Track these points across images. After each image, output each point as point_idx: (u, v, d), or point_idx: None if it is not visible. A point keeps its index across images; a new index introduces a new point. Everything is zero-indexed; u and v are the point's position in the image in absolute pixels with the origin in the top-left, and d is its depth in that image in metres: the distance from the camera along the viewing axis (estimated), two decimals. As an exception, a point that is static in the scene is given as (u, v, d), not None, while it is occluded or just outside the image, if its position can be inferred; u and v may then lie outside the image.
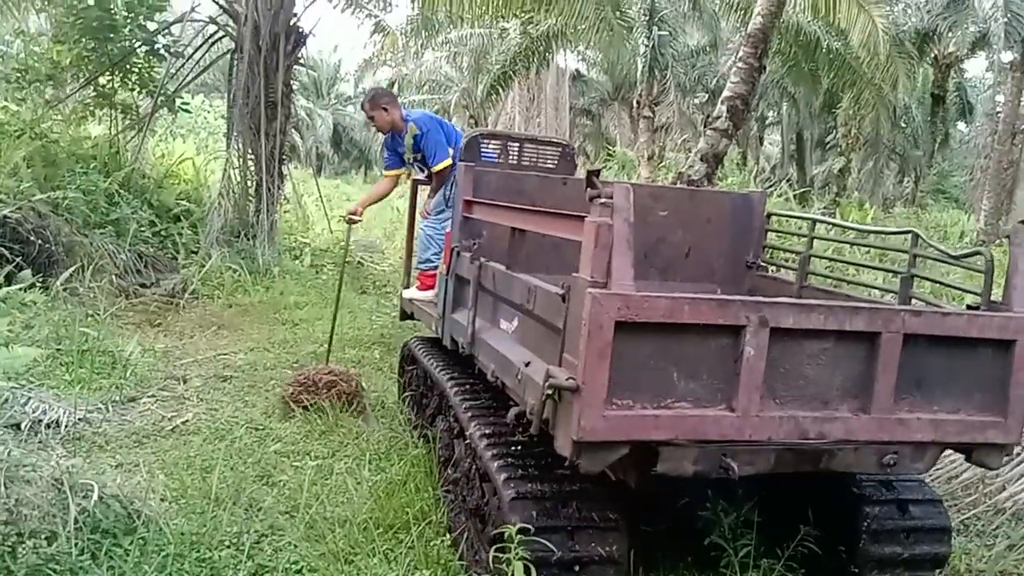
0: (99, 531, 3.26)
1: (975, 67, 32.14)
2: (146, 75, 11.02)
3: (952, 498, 4.65)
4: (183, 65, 11.66)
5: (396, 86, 37.69)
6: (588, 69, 32.79)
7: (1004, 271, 3.13)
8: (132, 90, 11.21)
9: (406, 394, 5.63)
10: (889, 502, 3.50)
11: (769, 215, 5.09)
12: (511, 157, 5.37)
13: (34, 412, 4.58)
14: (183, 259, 9.55)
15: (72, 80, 10.95)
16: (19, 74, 10.32)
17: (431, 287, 5.74)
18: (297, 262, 10.90)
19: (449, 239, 4.66)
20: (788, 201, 18.60)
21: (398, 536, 3.67)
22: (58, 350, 5.88)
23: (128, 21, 10.32)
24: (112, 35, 10.20)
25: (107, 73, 10.75)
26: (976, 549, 4.10)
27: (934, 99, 25.73)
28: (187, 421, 5.15)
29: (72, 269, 7.27)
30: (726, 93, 11.02)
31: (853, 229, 5.22)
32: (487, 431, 3.62)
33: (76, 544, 3.11)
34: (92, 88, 10.95)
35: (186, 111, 13.37)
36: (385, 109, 6.01)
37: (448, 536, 3.72)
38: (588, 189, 2.68)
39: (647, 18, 16.92)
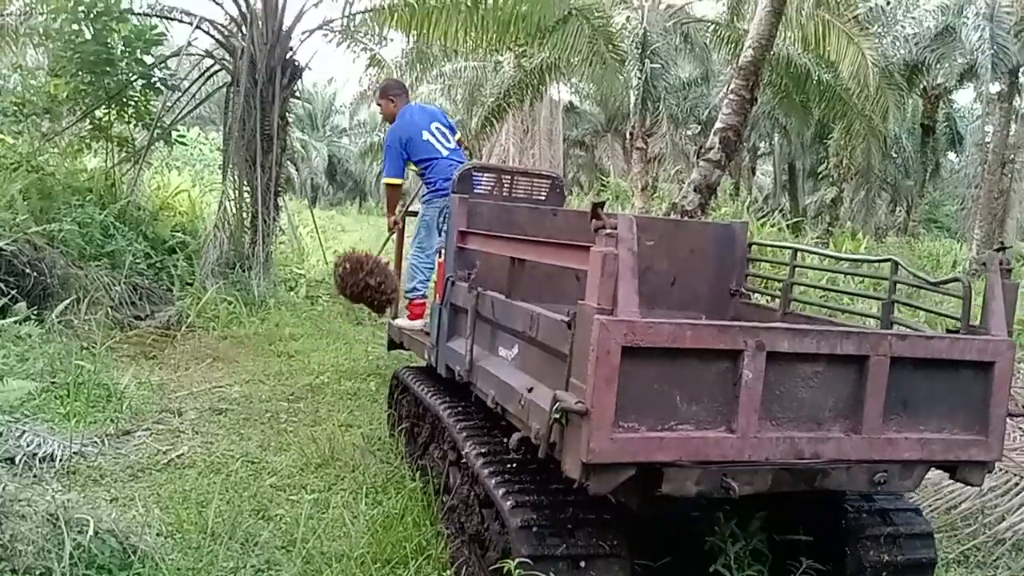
0: (95, 567, 3.23)
1: (963, 98, 32.45)
2: (143, 108, 11.08)
3: (951, 529, 4.64)
4: (179, 98, 11.74)
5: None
6: (581, 101, 33.12)
7: (981, 297, 3.25)
8: (128, 123, 11.27)
9: (397, 424, 5.60)
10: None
11: (751, 244, 5.25)
12: (504, 189, 5.46)
13: (28, 446, 4.54)
14: (178, 291, 9.55)
15: (69, 113, 11.00)
16: (16, 108, 10.37)
17: (421, 316, 5.80)
18: (292, 293, 10.90)
19: (441, 269, 4.70)
20: (781, 231, 18.69)
21: (396, 571, 3.64)
22: (53, 383, 5.85)
23: (125, 55, 10.39)
24: (109, 69, 10.27)
25: (104, 106, 10.81)
26: (977, 580, 4.08)
27: (924, 129, 26.01)
28: (182, 454, 5.11)
29: (67, 302, 7.24)
30: (718, 124, 11.13)
31: (833, 257, 5.32)
32: (486, 456, 3.66)
33: (71, 580, 3.07)
34: (88, 121, 11.01)
35: (182, 143, 13.44)
36: (391, 100, 6.27)
37: (447, 572, 3.69)
38: (593, 220, 2.74)
39: (639, 51, 17.08)
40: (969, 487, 4.93)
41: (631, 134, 19.24)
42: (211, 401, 6.36)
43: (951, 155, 31.66)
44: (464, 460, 3.87)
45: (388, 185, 6.39)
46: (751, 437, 2.83)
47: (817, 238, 20.10)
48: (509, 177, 5.58)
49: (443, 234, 5.22)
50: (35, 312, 7.19)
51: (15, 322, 6.71)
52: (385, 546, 3.81)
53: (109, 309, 8.09)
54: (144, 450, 5.13)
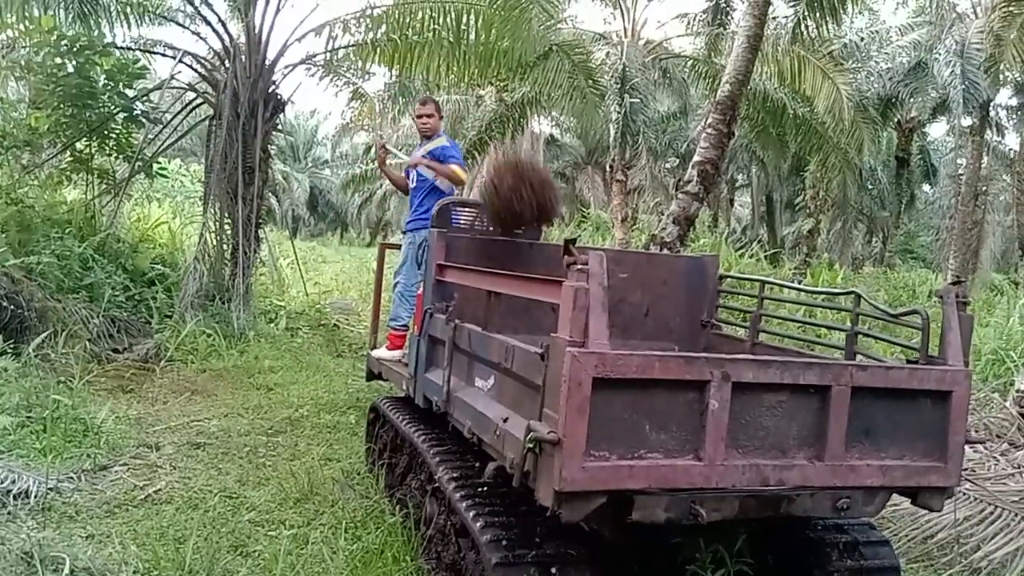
0: (69, 606, 3.20)
1: (937, 131, 33.05)
2: (124, 141, 11.09)
3: (928, 558, 4.68)
4: (161, 131, 11.77)
5: (373, 150, 38.17)
6: (562, 134, 33.45)
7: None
8: (109, 155, 11.27)
9: (374, 455, 5.61)
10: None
11: (721, 277, 5.37)
12: (485, 224, 5.50)
13: (2, 482, 4.49)
14: (157, 324, 9.50)
15: (49, 145, 11.00)
16: (-4, 140, 10.36)
17: (400, 347, 5.83)
18: (272, 325, 10.86)
19: (420, 301, 4.78)
20: (760, 262, 18.88)
21: (375, 606, 3.62)
22: (28, 418, 5.79)
23: (107, 88, 10.41)
24: (91, 102, 10.29)
25: (85, 139, 10.81)
26: (953, 611, 4.11)
27: (899, 162, 26.42)
28: (160, 490, 5.07)
29: (44, 335, 7.20)
30: (696, 158, 11.27)
31: (799, 290, 5.42)
32: (461, 486, 3.72)
33: (45, 620, 3.04)
34: (69, 153, 11.00)
35: (163, 175, 13.43)
36: (441, 116, 6.64)
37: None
38: (565, 256, 2.82)
39: (619, 86, 17.31)
40: (945, 516, 5.02)
41: (611, 167, 19.44)
42: (189, 435, 6.31)
43: (925, 187, 32.14)
44: (440, 490, 3.92)
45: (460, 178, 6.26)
46: (718, 465, 2.90)
47: (795, 268, 20.28)
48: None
49: (422, 267, 5.33)
50: (11, 345, 7.13)
51: (-9, 356, 6.65)
52: (364, 582, 3.79)
53: (87, 342, 8.04)
54: (121, 485, 5.08)
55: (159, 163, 12.21)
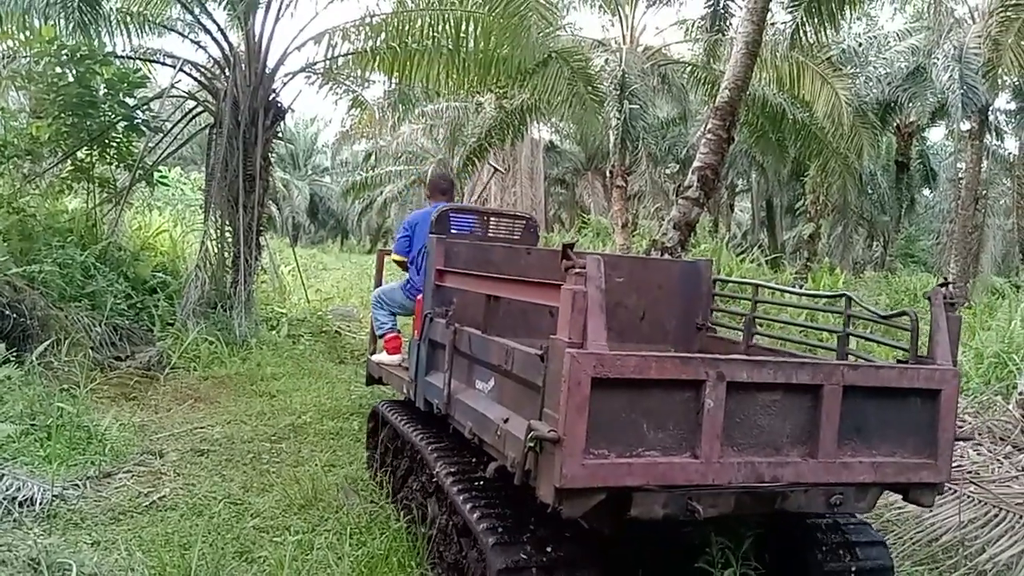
0: (76, 612, 3.20)
1: (936, 135, 33.11)
2: (125, 149, 11.10)
3: (933, 561, 4.68)
4: (162, 139, 11.79)
5: (373, 158, 38.22)
6: (562, 140, 33.51)
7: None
8: (110, 164, 11.29)
9: (376, 458, 5.67)
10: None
11: (715, 281, 5.49)
12: (483, 230, 5.67)
13: (8, 489, 4.50)
14: (159, 331, 9.50)
15: (50, 155, 11.00)
16: (-2, 150, 10.37)
17: (398, 351, 5.91)
18: (274, 332, 10.86)
19: (419, 305, 4.84)
20: (760, 267, 18.90)
21: (381, 611, 3.62)
22: (33, 425, 5.80)
23: (108, 98, 10.42)
24: (92, 111, 10.29)
25: (86, 147, 10.83)
26: (958, 613, 4.10)
27: (898, 166, 26.46)
28: (164, 497, 5.08)
29: (47, 343, 7.22)
30: (696, 163, 11.29)
31: (792, 293, 5.46)
32: (463, 486, 3.82)
33: (52, 626, 3.04)
34: (70, 162, 11.02)
35: (164, 184, 13.45)
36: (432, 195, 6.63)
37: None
38: (563, 260, 2.89)
39: (618, 92, 17.32)
40: (950, 519, 5.03)
41: (611, 172, 19.46)
42: (193, 442, 6.32)
43: (925, 191, 32.18)
44: (441, 490, 4.00)
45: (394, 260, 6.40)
46: (714, 462, 2.97)
47: (796, 273, 20.31)
48: (484, 218, 5.81)
49: (421, 272, 5.39)
50: (15, 354, 7.13)
51: (-6, 364, 6.65)
52: (370, 587, 3.80)
53: (90, 350, 8.04)
54: (125, 492, 5.09)
55: (160, 171, 12.21)
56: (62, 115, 10.22)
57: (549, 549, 3.35)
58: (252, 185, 10.74)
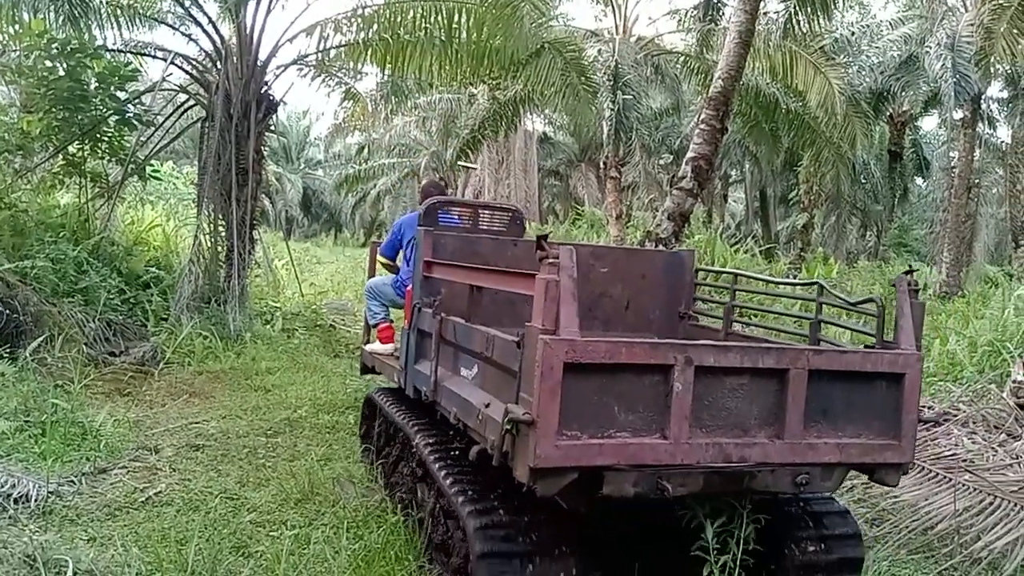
0: (73, 609, 3.19)
1: (929, 124, 33.14)
2: (116, 143, 11.05)
3: (928, 549, 4.70)
4: (154, 133, 11.74)
5: (366, 150, 38.13)
6: (555, 132, 33.45)
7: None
8: (102, 158, 11.23)
9: (371, 447, 5.74)
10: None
11: (697, 271, 5.65)
12: (472, 222, 5.83)
13: (3, 486, 4.48)
14: (153, 326, 9.47)
15: (41, 149, 10.94)
16: (-12, 145, 10.31)
17: (390, 340, 6.06)
18: (268, 327, 10.84)
19: (410, 296, 4.96)
20: (754, 257, 18.93)
21: (378, 605, 3.62)
22: (27, 422, 5.78)
23: (99, 91, 10.38)
24: (83, 105, 10.24)
25: (77, 142, 10.77)
26: (954, 601, 4.12)
27: (891, 155, 26.49)
28: (160, 492, 5.06)
29: (40, 339, 7.18)
30: (690, 154, 11.30)
31: (768, 281, 5.75)
32: (450, 471, 3.95)
33: (49, 623, 3.04)
34: (62, 157, 10.96)
35: (156, 178, 13.38)
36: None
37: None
38: (538, 251, 3.02)
39: (611, 83, 17.29)
40: (945, 507, 5.05)
41: (605, 164, 19.45)
42: (188, 437, 6.30)
43: (918, 180, 32.20)
44: (429, 474, 4.16)
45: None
46: (683, 443, 3.10)
47: (790, 263, 20.33)
48: (472, 211, 5.98)
49: (410, 264, 5.55)
50: (8, 350, 7.12)
51: (-13, 361, 6.63)
52: (367, 581, 3.79)
53: (83, 346, 8.01)
54: (121, 488, 5.07)
55: (152, 166, 12.18)
56: (53, 109, 10.17)
57: (533, 535, 3.45)
58: (245, 179, 10.70)
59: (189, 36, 11.61)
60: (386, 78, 14.82)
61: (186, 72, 11.65)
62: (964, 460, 5.88)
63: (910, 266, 4.05)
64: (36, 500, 4.52)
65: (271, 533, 4.47)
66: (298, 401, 7.55)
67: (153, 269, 10.71)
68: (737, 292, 5.17)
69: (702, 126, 11.30)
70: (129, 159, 11.20)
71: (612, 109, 17.20)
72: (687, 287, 5.50)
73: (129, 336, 8.98)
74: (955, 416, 6.83)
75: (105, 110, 10.59)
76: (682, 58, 19.55)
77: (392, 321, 6.26)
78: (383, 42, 11.49)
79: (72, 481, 4.98)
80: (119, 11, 11.14)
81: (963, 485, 5.36)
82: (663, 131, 26.83)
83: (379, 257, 6.52)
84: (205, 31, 11.06)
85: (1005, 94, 25.15)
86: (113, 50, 11.23)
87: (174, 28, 11.75)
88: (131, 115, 10.94)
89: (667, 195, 13.11)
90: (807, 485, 3.40)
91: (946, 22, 19.07)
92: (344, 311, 13.58)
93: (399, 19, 11.37)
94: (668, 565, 3.75)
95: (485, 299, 4.51)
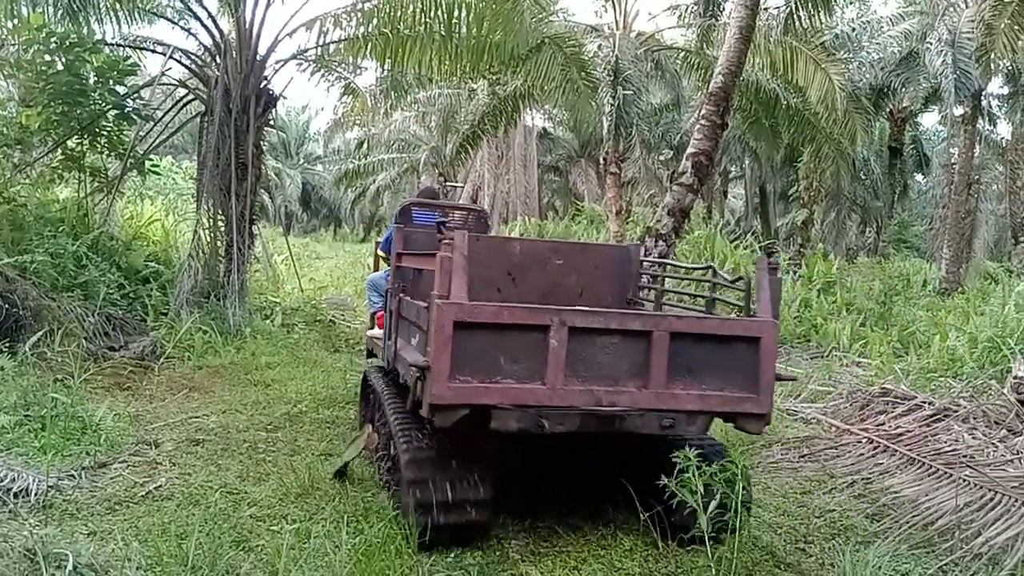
0: (73, 602, 3.18)
1: (929, 120, 33.12)
2: (115, 138, 11.03)
3: (929, 544, 4.69)
4: (153, 127, 11.71)
5: (366, 145, 38.08)
6: (555, 127, 33.41)
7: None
8: (101, 153, 11.20)
9: (366, 415, 6.30)
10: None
11: (642, 262, 6.36)
12: (448, 220, 6.77)
13: (3, 480, 4.47)
14: (152, 321, 9.46)
15: (40, 144, 10.92)
16: (-13, 139, 10.28)
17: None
18: (268, 322, 10.83)
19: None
20: (754, 253, 18.90)
21: (379, 599, 3.61)
22: (26, 416, 5.77)
23: (98, 86, 10.35)
24: (82, 99, 10.21)
25: (76, 136, 10.75)
26: (955, 596, 4.12)
27: (891, 152, 26.47)
28: (160, 486, 5.05)
29: (40, 333, 7.16)
30: (690, 149, 11.27)
31: (677, 266, 6.57)
32: (399, 421, 4.74)
33: (49, 617, 3.03)
34: (61, 151, 10.93)
35: (155, 173, 13.36)
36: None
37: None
38: (438, 235, 3.77)
39: (611, 78, 17.23)
40: (947, 503, 5.05)
41: (604, 159, 19.40)
42: (188, 432, 6.29)
43: (918, 176, 32.21)
44: (388, 426, 4.92)
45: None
46: (559, 388, 3.78)
47: (790, 259, 20.33)
48: (442, 211, 6.95)
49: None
50: (7, 344, 7.10)
51: (-13, 355, 6.61)
52: None
53: (83, 340, 7.99)
54: (121, 482, 5.06)
55: (151, 160, 12.14)
56: (52, 103, 10.14)
57: (452, 464, 4.20)
58: (244, 173, 10.68)
59: (188, 31, 11.62)
60: (386, 73, 14.77)
61: (185, 67, 11.61)
62: (965, 456, 5.88)
63: (770, 251, 5.15)
64: (36, 494, 4.51)
65: (271, 527, 4.46)
66: (298, 396, 7.54)
67: (152, 264, 10.69)
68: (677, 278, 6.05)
69: (702, 122, 11.27)
70: (128, 153, 11.17)
71: (612, 105, 17.15)
72: (634, 276, 6.18)
73: (129, 331, 8.97)
74: (955, 412, 6.83)
75: (104, 104, 10.56)
76: (682, 54, 19.49)
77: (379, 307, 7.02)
78: (383, 37, 11.46)
79: (72, 475, 4.97)
80: (118, 5, 11.11)
81: (964, 481, 5.37)
82: (663, 127, 26.80)
83: (378, 251, 7.30)
84: (204, 25, 11.05)
85: (1006, 90, 25.17)
86: (112, 44, 11.20)
87: (173, 22, 11.73)
88: (130, 109, 10.91)
89: (667, 191, 13.08)
90: (671, 428, 4.03)
91: (947, 18, 19.06)
92: (344, 306, 13.58)
93: (399, 14, 11.33)
94: (574, 491, 4.64)
95: (430, 280, 5.18)
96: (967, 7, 18.98)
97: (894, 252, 30.06)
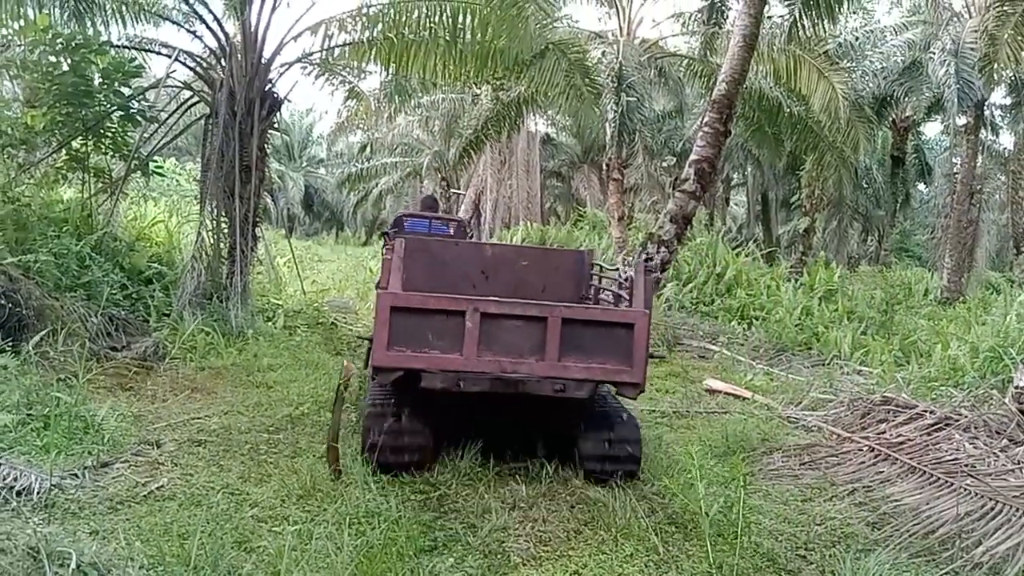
0: (76, 601, 3.19)
1: (931, 130, 33.14)
2: (120, 139, 11.05)
3: (930, 553, 4.69)
4: (157, 129, 11.74)
5: (369, 149, 38.14)
6: (558, 133, 33.45)
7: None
8: (105, 154, 11.23)
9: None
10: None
11: (592, 265, 7.35)
12: (429, 229, 8.46)
13: (6, 479, 4.48)
14: (155, 322, 9.46)
15: (45, 144, 10.94)
16: (-8, 139, 10.31)
17: None
18: (270, 324, 10.83)
19: None
20: (756, 260, 18.91)
21: (381, 601, 3.62)
22: (29, 415, 5.77)
23: (103, 87, 10.37)
24: (87, 100, 10.24)
25: (81, 137, 10.78)
26: (955, 604, 4.12)
27: (894, 161, 26.50)
28: (162, 486, 5.06)
29: (43, 333, 7.18)
30: (693, 156, 11.31)
31: (604, 267, 7.54)
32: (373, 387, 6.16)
33: (53, 615, 3.03)
34: (65, 152, 10.96)
35: (159, 174, 13.38)
36: None
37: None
38: (383, 241, 4.95)
39: (615, 85, 17.26)
40: (947, 512, 5.05)
41: (607, 165, 19.43)
42: (190, 432, 6.29)
43: (921, 186, 32.22)
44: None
45: None
46: (472, 358, 4.99)
47: (791, 267, 20.33)
48: (429, 221, 8.51)
49: None
50: (10, 343, 7.10)
51: (-10, 354, 6.62)
52: (369, 577, 3.80)
53: (86, 340, 7.98)
54: (123, 482, 5.07)
55: (155, 162, 12.18)
56: (57, 104, 10.17)
57: (402, 417, 5.37)
58: (248, 176, 10.70)
59: (194, 33, 11.63)
60: (390, 77, 14.82)
61: (190, 69, 11.65)
62: (966, 465, 5.88)
63: (647, 255, 5.79)
64: (39, 493, 4.52)
65: (273, 529, 4.47)
66: (300, 398, 7.54)
67: (155, 265, 10.70)
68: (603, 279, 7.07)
69: (705, 129, 11.31)
70: (132, 155, 11.20)
71: (615, 111, 17.18)
72: (587, 277, 7.20)
73: (131, 331, 8.97)
74: (957, 421, 6.83)
75: (109, 106, 10.58)
76: (686, 61, 19.55)
77: None
78: (387, 41, 11.49)
79: (75, 475, 4.97)
80: (124, 7, 11.15)
81: (965, 490, 5.37)
82: (666, 133, 26.83)
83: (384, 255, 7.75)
84: (210, 28, 11.08)
85: (1008, 100, 25.20)
86: (118, 46, 11.23)
87: (179, 25, 11.76)
88: (135, 111, 10.93)
89: (669, 197, 13.13)
90: (563, 391, 5.09)
91: (950, 28, 19.10)
92: (346, 309, 13.58)
93: (404, 19, 11.37)
94: (508, 440, 5.73)
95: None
96: (970, 17, 19.03)
97: (896, 261, 30.06)
